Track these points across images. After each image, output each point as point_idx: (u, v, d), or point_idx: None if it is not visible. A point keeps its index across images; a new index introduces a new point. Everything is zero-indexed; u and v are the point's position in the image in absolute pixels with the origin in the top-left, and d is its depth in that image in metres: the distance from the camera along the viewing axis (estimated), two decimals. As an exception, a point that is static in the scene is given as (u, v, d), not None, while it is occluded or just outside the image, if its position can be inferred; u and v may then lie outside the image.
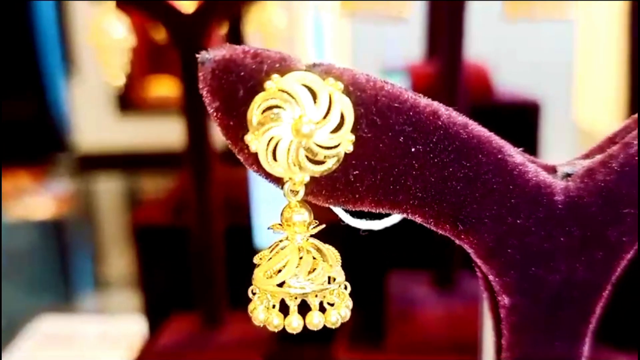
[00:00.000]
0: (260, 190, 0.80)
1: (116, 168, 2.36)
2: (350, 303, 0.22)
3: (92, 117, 2.41)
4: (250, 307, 0.22)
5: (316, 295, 0.22)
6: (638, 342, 0.66)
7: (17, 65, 2.29)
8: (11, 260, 1.66)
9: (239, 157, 0.22)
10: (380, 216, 0.27)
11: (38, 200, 2.08)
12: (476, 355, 0.62)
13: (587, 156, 0.25)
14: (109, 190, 2.27)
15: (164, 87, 2.39)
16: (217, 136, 0.72)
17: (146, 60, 2.26)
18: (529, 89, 0.77)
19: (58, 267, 1.77)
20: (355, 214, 0.26)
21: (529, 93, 0.77)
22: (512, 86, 0.79)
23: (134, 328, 1.20)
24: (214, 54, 0.20)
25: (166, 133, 2.33)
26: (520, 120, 0.78)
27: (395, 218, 0.27)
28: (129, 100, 2.38)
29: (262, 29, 0.70)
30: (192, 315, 0.73)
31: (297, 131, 0.20)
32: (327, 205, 0.23)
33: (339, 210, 0.25)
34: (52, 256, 1.84)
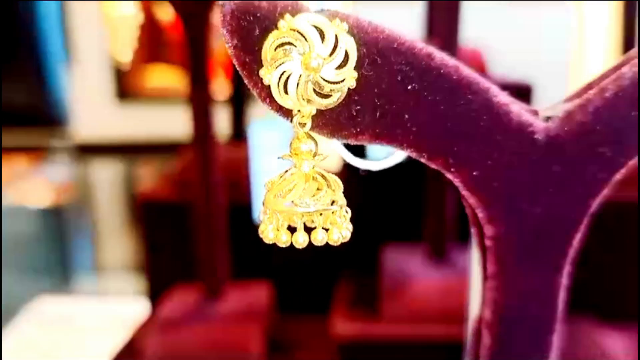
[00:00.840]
0: (259, 171, 0.83)
1: (114, 155, 2.38)
2: (350, 226, 0.25)
3: (91, 105, 2.43)
4: (261, 228, 0.25)
5: (320, 214, 0.24)
6: (638, 318, 0.69)
7: (18, 51, 2.30)
8: (10, 245, 1.67)
9: (253, 91, 0.24)
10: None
11: (37, 186, 2.10)
12: (466, 322, 0.64)
13: (567, 101, 0.28)
14: (106, 177, 2.29)
15: (163, 76, 2.41)
16: (221, 121, 0.74)
17: (145, 49, 2.28)
18: (522, 74, 0.79)
19: (57, 252, 1.79)
20: (356, 154, 0.29)
21: (521, 76, 0.79)
22: (505, 71, 0.81)
23: (132, 309, 1.22)
24: (233, -4, 0.23)
25: (164, 122, 2.35)
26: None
27: (391, 160, 0.29)
28: (128, 89, 2.40)
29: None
30: (194, 286, 0.75)
31: (307, 65, 0.23)
32: (331, 138, 0.25)
33: (341, 150, 0.27)
34: (50, 241, 1.86)
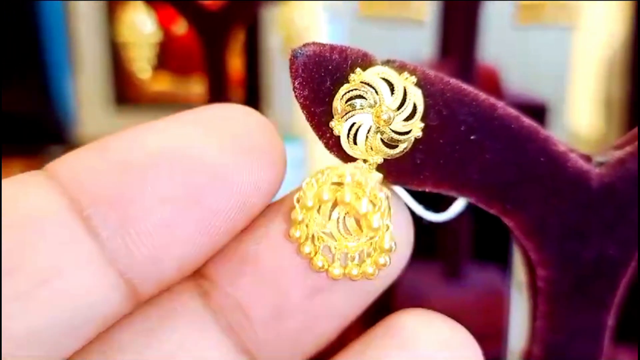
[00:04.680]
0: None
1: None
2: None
3: (90, 111, 2.42)
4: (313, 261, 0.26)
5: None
6: (638, 336, 0.70)
7: (20, 57, 2.30)
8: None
9: (320, 141, 0.25)
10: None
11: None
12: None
13: (617, 147, 0.28)
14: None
15: (162, 83, 2.41)
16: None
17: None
18: (537, 91, 0.81)
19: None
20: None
21: (536, 95, 0.80)
22: (519, 89, 0.82)
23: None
24: (306, 49, 0.23)
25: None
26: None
27: (452, 211, 0.30)
28: (127, 95, 2.39)
29: (283, 29, 0.73)
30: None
31: (378, 118, 0.23)
32: (394, 185, 0.26)
33: (409, 200, 0.28)
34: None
